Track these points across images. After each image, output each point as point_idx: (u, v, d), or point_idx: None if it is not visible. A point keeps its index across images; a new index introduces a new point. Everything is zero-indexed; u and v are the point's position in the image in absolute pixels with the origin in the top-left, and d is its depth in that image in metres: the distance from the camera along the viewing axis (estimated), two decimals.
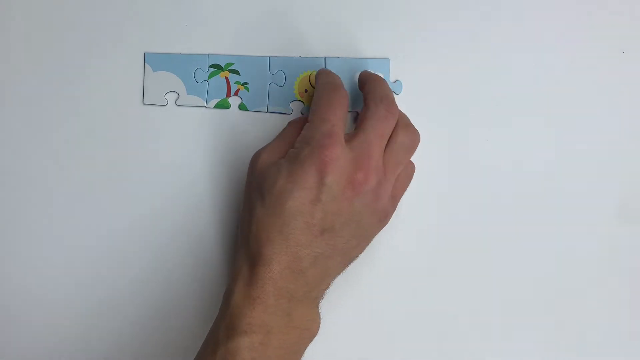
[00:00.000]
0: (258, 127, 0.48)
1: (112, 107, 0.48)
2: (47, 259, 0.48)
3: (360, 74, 0.45)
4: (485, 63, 0.47)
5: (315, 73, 0.47)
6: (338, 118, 0.39)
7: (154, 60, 0.47)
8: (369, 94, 0.41)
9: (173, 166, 0.48)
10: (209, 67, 0.47)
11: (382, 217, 0.41)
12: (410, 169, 0.43)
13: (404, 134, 0.40)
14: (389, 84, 0.47)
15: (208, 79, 0.47)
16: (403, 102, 0.47)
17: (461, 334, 0.47)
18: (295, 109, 0.47)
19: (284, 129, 0.43)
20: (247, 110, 0.47)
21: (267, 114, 0.47)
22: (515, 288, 0.47)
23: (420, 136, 0.43)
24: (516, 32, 0.47)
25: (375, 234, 0.42)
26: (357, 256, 0.42)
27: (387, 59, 0.47)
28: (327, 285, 0.41)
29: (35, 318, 0.48)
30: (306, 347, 0.40)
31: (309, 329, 0.39)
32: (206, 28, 0.48)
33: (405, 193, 0.46)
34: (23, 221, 0.48)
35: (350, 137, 0.39)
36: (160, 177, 0.48)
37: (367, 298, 0.47)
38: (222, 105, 0.48)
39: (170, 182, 0.48)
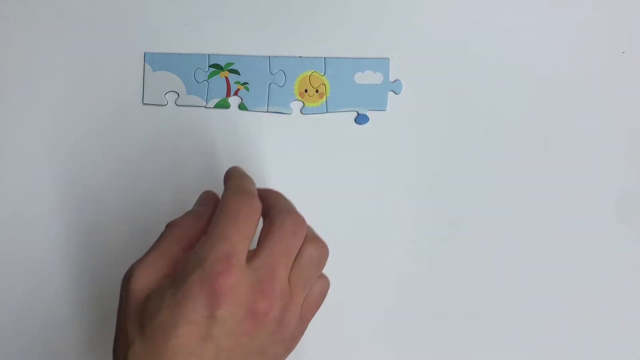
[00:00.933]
0: (258, 127, 0.48)
1: (112, 107, 0.48)
2: (46, 258, 0.48)
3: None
4: (485, 63, 0.47)
5: (314, 73, 0.47)
6: (242, 236, 0.32)
7: (154, 60, 0.47)
8: (273, 206, 0.35)
9: (173, 166, 0.48)
10: (209, 67, 0.47)
11: (289, 345, 0.34)
12: (323, 287, 0.37)
13: (312, 246, 0.34)
14: (388, 83, 0.47)
15: (208, 78, 0.47)
16: (403, 102, 0.47)
17: (458, 334, 0.47)
18: (295, 108, 0.47)
19: (163, 236, 0.35)
20: (247, 110, 0.47)
21: (267, 113, 0.47)
22: (514, 289, 0.47)
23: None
24: (516, 33, 0.47)
25: None
26: None
27: (387, 59, 0.47)
28: None
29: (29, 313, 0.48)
30: None
31: None
32: (206, 28, 0.48)
33: (403, 191, 0.47)
34: (22, 220, 0.48)
35: (252, 255, 0.32)
36: (160, 176, 0.48)
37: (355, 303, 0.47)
38: (222, 105, 0.48)
39: (170, 182, 0.48)
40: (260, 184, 0.48)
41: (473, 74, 0.47)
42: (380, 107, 0.47)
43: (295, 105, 0.48)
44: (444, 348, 0.47)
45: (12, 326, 0.48)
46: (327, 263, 0.36)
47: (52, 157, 0.48)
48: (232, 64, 0.47)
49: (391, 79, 0.47)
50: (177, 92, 0.47)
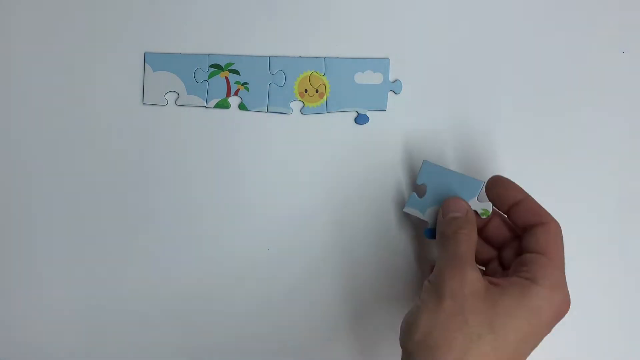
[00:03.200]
0: (258, 127, 0.48)
1: (112, 107, 0.48)
2: (46, 257, 0.48)
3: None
4: (484, 63, 0.47)
5: (314, 73, 0.47)
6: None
7: (154, 60, 0.47)
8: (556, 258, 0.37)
9: (173, 166, 0.48)
10: (209, 67, 0.47)
11: None
12: None
13: None
14: (388, 83, 0.47)
15: (208, 78, 0.47)
16: (403, 102, 0.47)
17: None
18: (295, 108, 0.47)
19: (460, 241, 0.39)
20: (247, 110, 0.47)
21: (267, 113, 0.47)
22: None
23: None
24: (516, 33, 0.47)
25: None
26: None
27: (387, 59, 0.47)
28: None
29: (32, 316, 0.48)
30: None
31: None
32: (206, 28, 0.48)
33: (403, 190, 0.47)
34: (22, 220, 0.48)
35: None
36: (160, 176, 0.48)
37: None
38: (222, 105, 0.48)
39: (170, 182, 0.48)
40: (260, 183, 0.48)
41: (472, 74, 0.47)
42: (380, 107, 0.47)
43: (295, 105, 0.47)
44: None
45: None
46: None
47: (52, 157, 0.48)
48: (232, 64, 0.47)
49: (391, 79, 0.47)
50: (177, 92, 0.47)
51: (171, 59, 0.47)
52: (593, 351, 0.48)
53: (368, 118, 0.47)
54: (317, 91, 0.47)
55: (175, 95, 0.48)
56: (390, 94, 0.47)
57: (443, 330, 0.35)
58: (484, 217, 0.41)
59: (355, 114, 0.47)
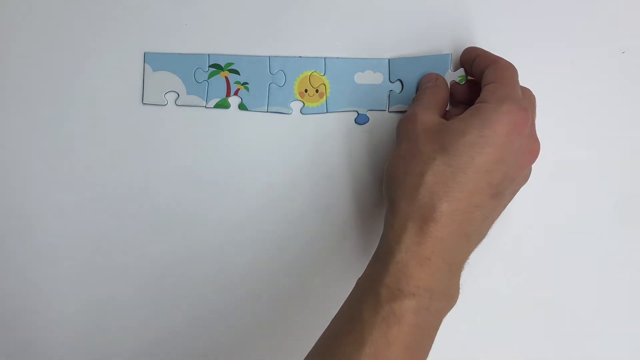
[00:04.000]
0: (258, 127, 0.48)
1: (112, 107, 0.48)
2: (45, 257, 0.48)
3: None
4: None
5: (314, 73, 0.47)
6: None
7: (154, 60, 0.47)
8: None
9: (173, 166, 0.48)
10: (209, 67, 0.47)
11: (528, 176, 0.42)
12: None
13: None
14: (388, 83, 0.47)
15: (208, 78, 0.47)
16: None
17: (460, 334, 0.47)
18: (295, 108, 0.47)
19: (424, 94, 0.43)
20: (247, 110, 0.47)
21: (267, 113, 0.47)
22: (513, 287, 0.47)
23: None
24: (516, 33, 0.47)
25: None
26: None
27: (387, 59, 0.47)
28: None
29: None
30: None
31: (454, 300, 0.37)
32: (206, 28, 0.48)
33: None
34: (22, 221, 0.48)
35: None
36: (160, 177, 0.48)
37: None
38: (222, 105, 0.48)
39: (170, 182, 0.48)
40: (260, 183, 0.48)
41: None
42: (380, 107, 0.47)
43: (295, 105, 0.47)
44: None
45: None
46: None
47: (51, 157, 0.48)
48: (232, 64, 0.47)
49: (391, 79, 0.47)
50: (177, 92, 0.47)
51: (171, 59, 0.47)
52: (593, 351, 0.48)
53: (368, 118, 0.47)
54: (317, 91, 0.47)
55: (175, 95, 0.48)
56: (390, 93, 0.47)
57: (402, 164, 0.38)
58: (463, 82, 0.44)
59: (355, 114, 0.47)
